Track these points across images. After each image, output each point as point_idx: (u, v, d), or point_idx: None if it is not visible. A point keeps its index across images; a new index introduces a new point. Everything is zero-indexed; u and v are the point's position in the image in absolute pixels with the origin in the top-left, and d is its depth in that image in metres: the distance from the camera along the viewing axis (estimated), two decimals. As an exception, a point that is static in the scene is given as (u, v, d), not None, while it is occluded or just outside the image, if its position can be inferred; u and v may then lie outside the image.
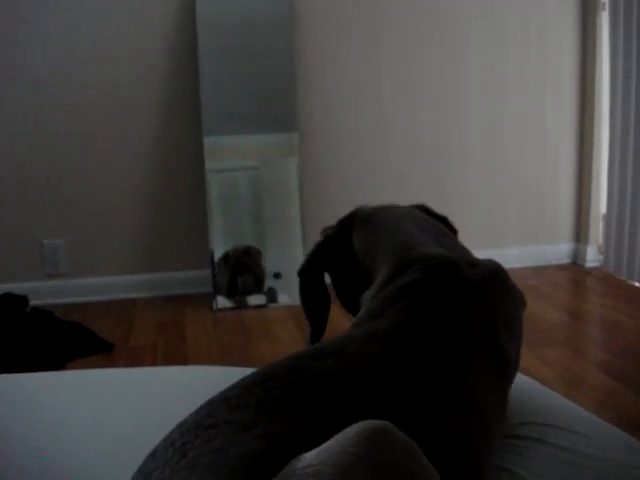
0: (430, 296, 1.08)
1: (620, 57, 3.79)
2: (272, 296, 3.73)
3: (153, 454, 0.87)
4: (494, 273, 1.16)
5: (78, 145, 3.73)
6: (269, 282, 3.75)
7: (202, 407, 0.92)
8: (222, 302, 3.69)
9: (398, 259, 1.16)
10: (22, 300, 3.36)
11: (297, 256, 3.76)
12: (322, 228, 1.42)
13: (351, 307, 1.34)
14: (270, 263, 3.75)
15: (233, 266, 3.70)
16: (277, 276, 3.75)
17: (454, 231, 1.36)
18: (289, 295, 3.73)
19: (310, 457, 0.77)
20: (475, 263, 1.16)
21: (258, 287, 3.72)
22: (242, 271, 3.71)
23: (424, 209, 1.36)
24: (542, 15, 4.08)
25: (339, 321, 1.37)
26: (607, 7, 3.92)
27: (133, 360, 2.97)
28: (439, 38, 3.99)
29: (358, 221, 1.31)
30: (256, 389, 0.92)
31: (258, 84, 3.76)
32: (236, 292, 3.70)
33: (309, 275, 1.36)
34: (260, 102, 3.76)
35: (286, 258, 3.77)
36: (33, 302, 3.45)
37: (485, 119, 4.08)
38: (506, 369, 1.12)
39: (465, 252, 1.20)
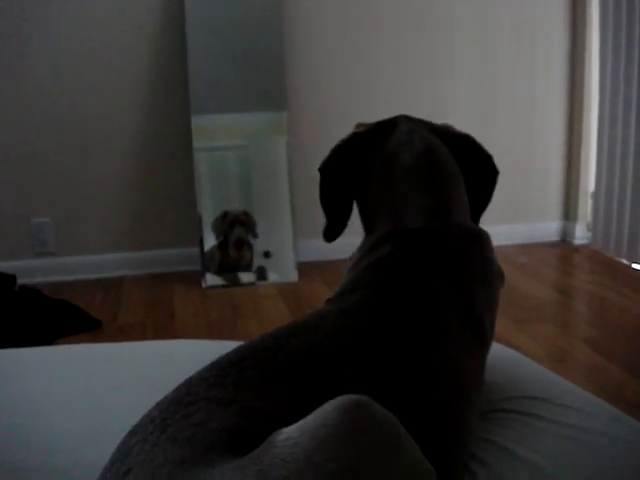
0: (401, 269, 1.09)
1: (610, 38, 3.78)
2: (262, 274, 3.73)
3: (133, 431, 0.89)
4: (472, 240, 1.16)
5: (65, 124, 3.70)
6: (259, 261, 3.74)
7: (181, 386, 0.94)
8: (211, 280, 3.68)
9: (382, 227, 1.17)
10: (10, 279, 3.35)
11: (286, 236, 3.76)
12: (357, 123, 1.32)
13: (331, 209, 1.27)
14: (259, 242, 3.74)
15: (231, 220, 3.69)
16: (267, 255, 3.74)
17: (495, 172, 1.31)
18: (279, 273, 3.72)
19: (290, 431, 0.78)
20: (456, 232, 1.15)
21: (252, 233, 3.72)
22: (239, 224, 3.70)
23: (469, 141, 1.30)
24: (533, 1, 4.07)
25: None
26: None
27: (121, 337, 2.96)
28: (430, 21, 3.96)
29: (396, 137, 1.24)
30: (232, 369, 0.94)
31: (247, 62, 3.72)
32: (227, 246, 3.68)
33: (330, 172, 1.26)
34: (249, 80, 3.73)
35: (275, 238, 3.76)
36: (21, 281, 3.43)
37: (475, 99, 4.07)
38: (482, 338, 1.13)
39: (451, 220, 1.17)
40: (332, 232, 1.27)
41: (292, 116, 3.82)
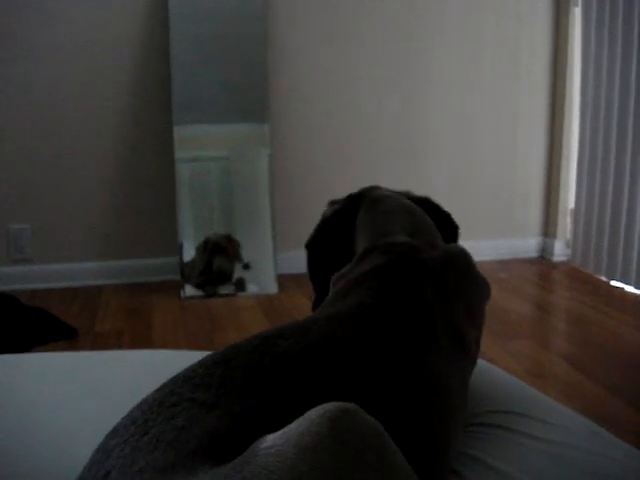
0: (391, 279, 1.10)
1: (592, 55, 3.82)
2: (241, 286, 3.71)
3: (114, 431, 0.87)
4: (457, 258, 1.19)
5: (45, 130, 3.67)
6: (238, 272, 3.72)
7: (165, 385, 0.92)
8: (190, 290, 3.66)
9: (368, 244, 1.21)
10: (-14, 285, 3.31)
11: (266, 247, 3.75)
12: (329, 200, 1.42)
13: (320, 283, 1.35)
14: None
15: (212, 249, 3.68)
16: (246, 267, 3.73)
17: (455, 228, 1.40)
18: (258, 285, 3.71)
19: (273, 438, 0.76)
20: (439, 248, 1.19)
21: (230, 275, 3.70)
22: (219, 253, 3.68)
23: (428, 203, 1.40)
24: (516, 9, 4.09)
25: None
26: (580, 2, 3.94)
27: (98, 346, 2.94)
28: (413, 28, 3.99)
29: (368, 202, 1.33)
30: (218, 368, 0.92)
31: (230, 73, 3.72)
32: (210, 273, 3.67)
33: (316, 248, 1.36)
34: (232, 91, 3.73)
35: (256, 249, 3.75)
36: (-3, 287, 3.40)
37: (456, 113, 4.09)
38: (466, 354, 1.13)
39: (435, 242, 1.23)
40: (320, 302, 1.33)
41: (274, 128, 3.82)
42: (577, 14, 4.02)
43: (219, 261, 3.68)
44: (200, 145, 3.73)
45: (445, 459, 1.01)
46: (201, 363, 0.94)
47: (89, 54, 3.66)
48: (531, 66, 4.17)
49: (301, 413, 0.79)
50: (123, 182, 3.80)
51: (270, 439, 0.76)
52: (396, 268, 1.12)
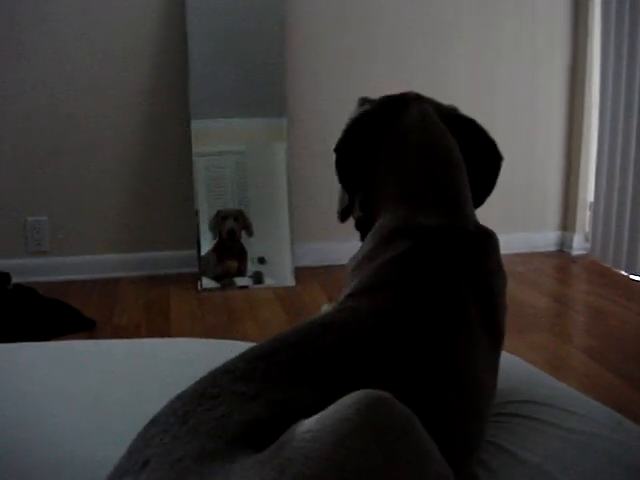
0: (424, 269, 1.07)
1: (611, 50, 3.79)
2: (258, 278, 3.71)
3: (153, 421, 0.86)
4: (491, 244, 1.16)
5: (64, 125, 3.68)
6: (254, 266, 3.72)
7: (204, 378, 0.91)
8: (207, 283, 3.66)
9: (396, 219, 1.14)
10: (4, 277, 3.32)
11: (283, 240, 3.74)
12: (359, 98, 1.35)
13: (350, 185, 1.26)
14: (255, 248, 3.73)
15: (223, 215, 3.70)
16: (262, 261, 3.73)
17: (498, 158, 1.34)
18: (275, 278, 3.71)
19: (309, 423, 0.76)
20: (472, 232, 1.14)
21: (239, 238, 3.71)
22: (229, 217, 3.70)
23: (474, 126, 1.31)
24: (533, 4, 4.06)
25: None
26: (599, -6, 3.91)
27: (116, 338, 2.93)
28: (431, 22, 3.96)
29: (405, 122, 1.23)
30: (261, 362, 0.91)
31: (248, 67, 3.71)
32: (221, 237, 3.68)
33: (344, 151, 1.26)
34: (249, 86, 3.72)
35: (272, 242, 3.75)
36: (16, 279, 3.41)
37: (475, 109, 4.04)
38: (499, 344, 1.12)
39: (468, 217, 1.17)
40: (348, 211, 1.28)
41: (291, 122, 3.81)
42: (597, 6, 3.99)
43: (229, 223, 3.68)
44: (217, 139, 3.73)
45: (477, 446, 1.00)
46: (242, 357, 0.94)
47: (108, 48, 3.66)
48: (550, 60, 4.14)
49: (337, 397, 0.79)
50: (140, 175, 3.80)
51: (306, 424, 0.76)
52: (427, 259, 1.08)
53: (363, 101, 1.32)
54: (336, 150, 1.26)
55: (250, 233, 3.72)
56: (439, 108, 1.29)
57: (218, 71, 3.69)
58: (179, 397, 0.89)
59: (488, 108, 4.08)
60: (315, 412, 0.79)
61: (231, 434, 0.79)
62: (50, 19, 3.58)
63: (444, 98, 4.29)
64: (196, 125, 3.68)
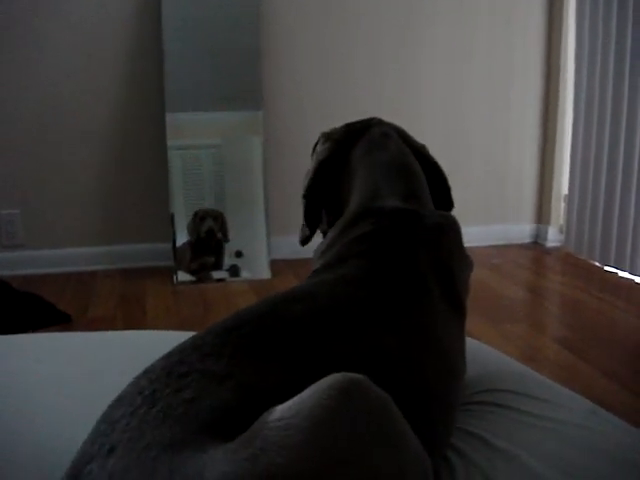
0: (389, 242, 1.11)
1: (585, 41, 3.81)
2: (234, 272, 3.70)
3: (119, 401, 0.84)
4: (448, 226, 1.20)
5: (38, 116, 3.64)
6: (231, 260, 3.71)
7: (172, 353, 0.89)
8: (183, 276, 3.64)
9: (357, 207, 1.19)
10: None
11: (259, 233, 3.73)
12: (322, 133, 1.38)
13: (315, 224, 1.35)
14: (232, 242, 3.72)
15: (201, 215, 3.68)
16: (238, 254, 3.72)
17: (444, 179, 1.37)
18: (251, 271, 3.70)
19: (282, 410, 0.74)
20: (428, 214, 1.19)
21: (223, 234, 3.70)
22: (210, 218, 3.68)
23: (421, 152, 1.36)
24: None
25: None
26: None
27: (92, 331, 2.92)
28: (407, 11, 3.96)
29: (366, 144, 1.29)
30: (230, 335, 0.90)
31: (223, 60, 3.69)
32: (199, 235, 3.66)
33: (313, 195, 1.32)
34: (225, 79, 3.70)
35: (249, 236, 3.74)
36: (-11, 273, 3.38)
37: (449, 99, 4.07)
38: (462, 316, 1.15)
39: (425, 205, 1.23)
40: (309, 238, 1.35)
41: (267, 115, 3.80)
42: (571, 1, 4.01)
43: (208, 223, 3.67)
44: (193, 132, 3.70)
45: (449, 420, 1.01)
46: (209, 331, 0.92)
47: (80, 42, 3.62)
48: (524, 52, 4.16)
49: (313, 380, 0.78)
50: (115, 168, 3.78)
51: (279, 411, 0.74)
52: (390, 232, 1.12)
53: (326, 137, 1.36)
54: (304, 197, 1.32)
55: (226, 238, 3.70)
56: (402, 134, 1.36)
57: (193, 64, 3.67)
58: (145, 373, 0.86)
59: (462, 101, 4.09)
60: (287, 393, 0.78)
61: (201, 421, 0.77)
62: (26, 14, 3.54)
63: (420, 93, 4.32)
64: (171, 118, 3.66)
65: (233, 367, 0.84)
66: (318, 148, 1.35)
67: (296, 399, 0.75)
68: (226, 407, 0.80)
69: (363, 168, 1.26)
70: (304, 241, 1.36)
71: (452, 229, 1.20)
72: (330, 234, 1.21)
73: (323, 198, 1.32)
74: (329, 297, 0.99)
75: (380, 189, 1.22)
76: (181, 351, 0.89)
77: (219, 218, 3.69)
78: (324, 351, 0.90)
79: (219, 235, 3.67)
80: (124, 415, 0.80)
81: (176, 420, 0.77)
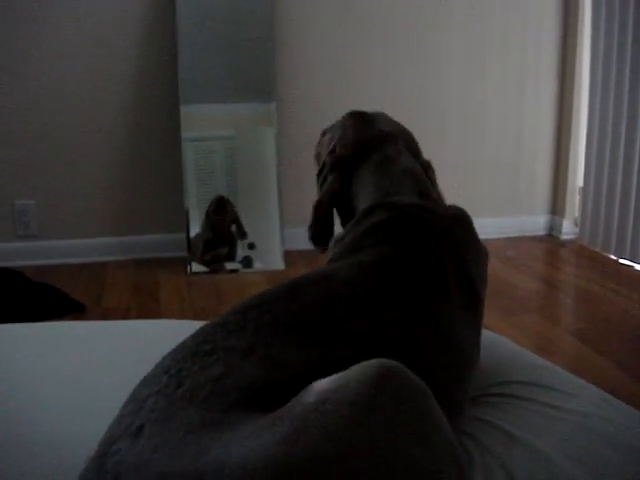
0: (405, 230, 1.12)
1: (602, 32, 3.78)
2: (247, 263, 3.70)
3: (145, 381, 0.84)
4: (462, 218, 1.21)
5: (51, 107, 3.65)
6: (244, 252, 3.71)
7: (196, 334, 0.90)
8: (196, 267, 3.65)
9: (372, 202, 1.21)
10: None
11: (273, 225, 3.73)
12: (323, 130, 1.44)
13: (322, 238, 1.35)
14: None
15: (215, 202, 3.69)
16: (251, 246, 3.72)
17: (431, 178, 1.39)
18: (265, 262, 3.70)
19: (324, 393, 0.74)
20: (444, 209, 1.21)
21: (240, 233, 3.71)
22: (222, 200, 3.70)
23: (414, 150, 1.39)
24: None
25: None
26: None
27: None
28: (421, 18, 3.93)
29: (373, 164, 1.29)
30: (251, 313, 0.92)
31: (237, 51, 3.68)
32: (211, 243, 3.68)
33: (322, 223, 1.34)
34: (239, 71, 3.69)
35: (262, 227, 3.74)
36: (3, 263, 3.39)
37: (464, 91, 4.05)
38: (478, 305, 1.15)
39: (436, 202, 1.25)
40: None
41: (281, 107, 3.79)
42: (587, -11, 3.98)
43: (219, 197, 3.70)
44: (206, 124, 3.70)
45: (460, 407, 1.02)
46: (233, 310, 0.94)
47: (96, 32, 3.62)
48: (539, 44, 4.13)
49: (335, 358, 0.79)
50: (129, 159, 3.78)
51: (320, 393, 0.74)
52: (404, 223, 1.13)
53: (334, 162, 1.34)
54: (311, 229, 1.34)
55: (243, 235, 3.70)
56: (412, 148, 1.39)
57: (207, 55, 3.66)
58: (171, 354, 0.87)
59: (477, 94, 4.07)
60: (307, 369, 0.79)
61: (229, 399, 0.78)
62: (39, 8, 3.54)
63: (436, 84, 4.30)
64: (185, 110, 3.66)
65: (256, 342, 0.86)
66: (326, 175, 1.35)
67: (338, 382, 0.75)
68: (253, 382, 0.80)
69: (374, 179, 1.27)
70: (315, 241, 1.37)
71: (465, 220, 1.21)
72: (346, 228, 1.22)
73: (332, 222, 1.34)
74: (345, 281, 1.00)
75: (392, 189, 1.23)
76: (205, 331, 0.90)
77: (230, 204, 3.70)
78: (340, 330, 0.92)
79: (230, 203, 3.69)
80: (150, 394, 0.80)
81: (204, 399, 0.78)
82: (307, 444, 0.69)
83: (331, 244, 1.24)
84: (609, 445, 1.01)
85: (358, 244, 1.12)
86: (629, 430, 1.06)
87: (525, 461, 0.95)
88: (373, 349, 0.82)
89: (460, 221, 1.20)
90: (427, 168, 1.37)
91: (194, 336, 0.89)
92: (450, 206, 1.24)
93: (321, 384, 0.76)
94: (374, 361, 0.77)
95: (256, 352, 0.84)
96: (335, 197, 1.32)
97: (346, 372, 0.77)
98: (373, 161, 1.29)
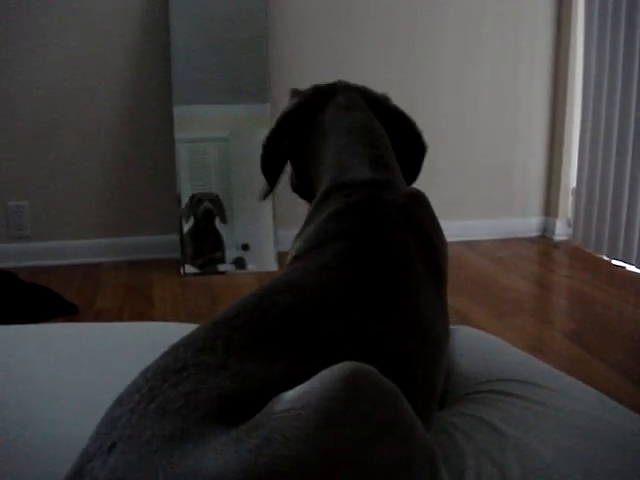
0: (364, 219, 1.11)
1: (594, 34, 3.79)
2: (240, 264, 3.70)
3: (118, 401, 0.83)
4: (418, 199, 1.20)
5: (45, 108, 3.65)
6: (237, 253, 3.71)
7: (167, 353, 0.89)
8: (190, 268, 3.65)
9: (329, 181, 1.21)
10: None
11: (267, 226, 3.73)
12: (291, 89, 1.48)
13: (273, 177, 1.43)
14: (238, 235, 3.72)
15: (198, 199, 3.69)
16: (245, 247, 3.72)
17: (422, 149, 1.40)
18: (258, 264, 3.70)
19: (289, 400, 0.73)
20: (400, 188, 1.20)
21: (221, 217, 3.71)
22: (206, 200, 3.69)
23: (402, 118, 1.41)
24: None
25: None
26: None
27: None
28: (415, 19, 3.95)
29: (334, 107, 1.35)
30: (221, 329, 0.90)
31: (231, 53, 3.69)
32: (196, 218, 3.67)
33: (272, 146, 1.38)
34: (232, 72, 3.70)
35: (254, 230, 3.74)
36: (-4, 264, 3.39)
37: (457, 93, 4.06)
38: (442, 280, 1.16)
39: (394, 174, 1.24)
40: (268, 193, 1.44)
41: (275, 108, 3.79)
42: (580, -9, 3.99)
43: (205, 204, 3.68)
44: (200, 125, 3.70)
45: (434, 390, 1.03)
46: (200, 328, 0.93)
47: (88, 35, 3.62)
48: (533, 46, 4.14)
49: (310, 368, 0.78)
50: (123, 160, 3.78)
51: (286, 401, 0.73)
52: (363, 211, 1.12)
53: (294, 93, 1.45)
54: (263, 147, 1.37)
55: (224, 219, 3.70)
56: (368, 96, 1.42)
57: (201, 57, 3.66)
58: (143, 374, 0.86)
59: (471, 95, 4.08)
60: (283, 381, 0.78)
61: (201, 411, 0.77)
62: (31, 6, 3.54)
63: (428, 86, 4.31)
64: (179, 111, 3.66)
65: (228, 358, 0.84)
66: (287, 103, 1.40)
67: (304, 388, 0.74)
68: (225, 395, 0.79)
69: (331, 134, 1.29)
70: (264, 196, 1.43)
71: (423, 198, 1.21)
72: (307, 214, 1.23)
73: (286, 154, 1.39)
74: (313, 286, 0.99)
75: (349, 157, 1.23)
76: (175, 349, 0.89)
77: (216, 200, 3.70)
78: (315, 338, 0.90)
79: (215, 219, 3.68)
80: (123, 413, 0.79)
81: (175, 413, 0.77)
82: (273, 452, 0.68)
83: (293, 240, 1.23)
84: (601, 443, 1.01)
85: (318, 239, 1.11)
86: (622, 429, 1.06)
87: (516, 459, 0.96)
88: (347, 357, 0.81)
89: (419, 198, 1.20)
90: (385, 103, 1.41)
91: (163, 356, 0.88)
92: (406, 187, 1.23)
93: (289, 393, 0.75)
94: (340, 365, 0.76)
95: (227, 367, 0.83)
96: (288, 121, 1.36)
97: (312, 379, 0.76)
98: (330, 109, 1.34)
